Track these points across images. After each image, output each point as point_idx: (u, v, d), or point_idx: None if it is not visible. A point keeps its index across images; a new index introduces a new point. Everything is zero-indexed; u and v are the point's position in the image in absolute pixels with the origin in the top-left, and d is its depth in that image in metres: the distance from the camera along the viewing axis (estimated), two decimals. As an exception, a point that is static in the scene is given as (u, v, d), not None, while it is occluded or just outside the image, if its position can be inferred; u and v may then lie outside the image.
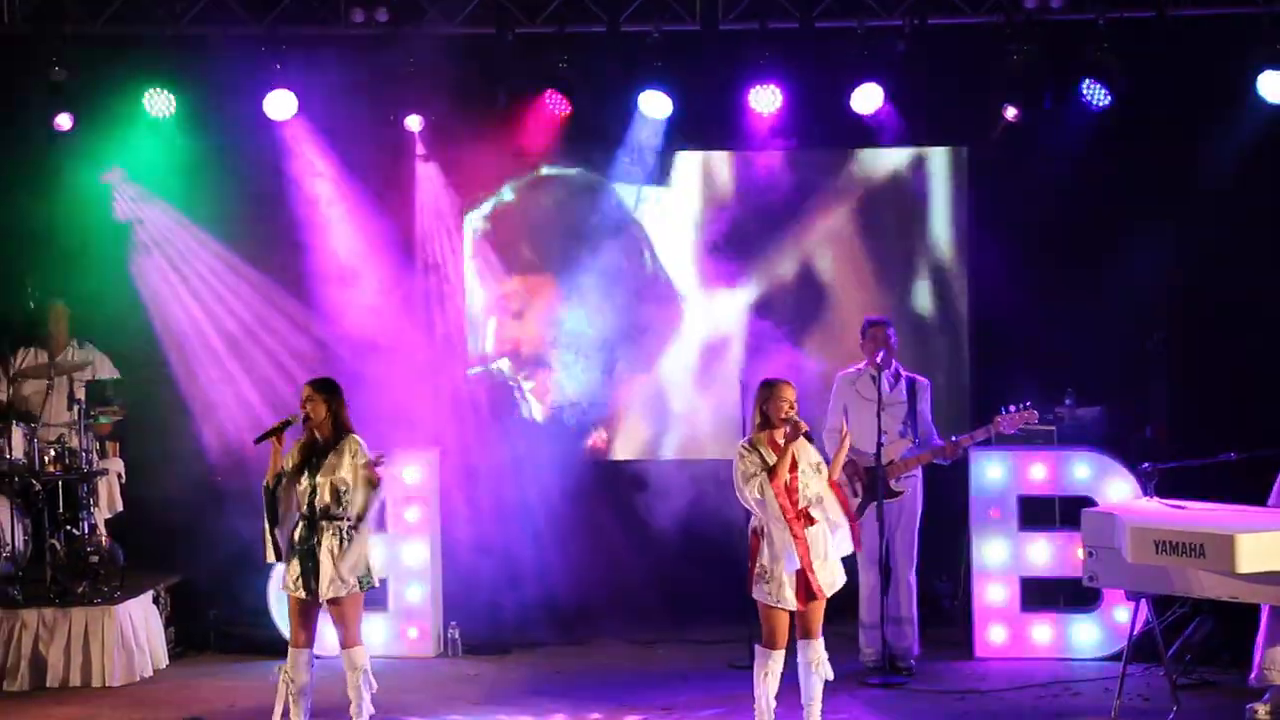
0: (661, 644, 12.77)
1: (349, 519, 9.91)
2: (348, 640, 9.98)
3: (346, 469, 9.90)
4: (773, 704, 9.78)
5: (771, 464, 9.67)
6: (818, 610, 9.77)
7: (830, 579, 9.73)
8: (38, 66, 13.02)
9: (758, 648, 9.81)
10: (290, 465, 10.00)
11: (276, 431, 10.01)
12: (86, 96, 13.13)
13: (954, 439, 11.71)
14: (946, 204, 13.78)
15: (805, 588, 9.68)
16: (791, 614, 9.71)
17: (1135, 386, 12.90)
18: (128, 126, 13.27)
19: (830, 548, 9.73)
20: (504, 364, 14.05)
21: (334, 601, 9.92)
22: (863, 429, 11.58)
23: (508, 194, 13.91)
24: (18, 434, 12.23)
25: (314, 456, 9.98)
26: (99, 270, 13.23)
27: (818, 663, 9.76)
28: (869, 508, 11.56)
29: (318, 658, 10.15)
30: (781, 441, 9.74)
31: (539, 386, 14.03)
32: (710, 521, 12.38)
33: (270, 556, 10.05)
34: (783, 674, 9.77)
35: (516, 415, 13.92)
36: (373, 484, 9.93)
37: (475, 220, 13.96)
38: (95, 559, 12.34)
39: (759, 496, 9.65)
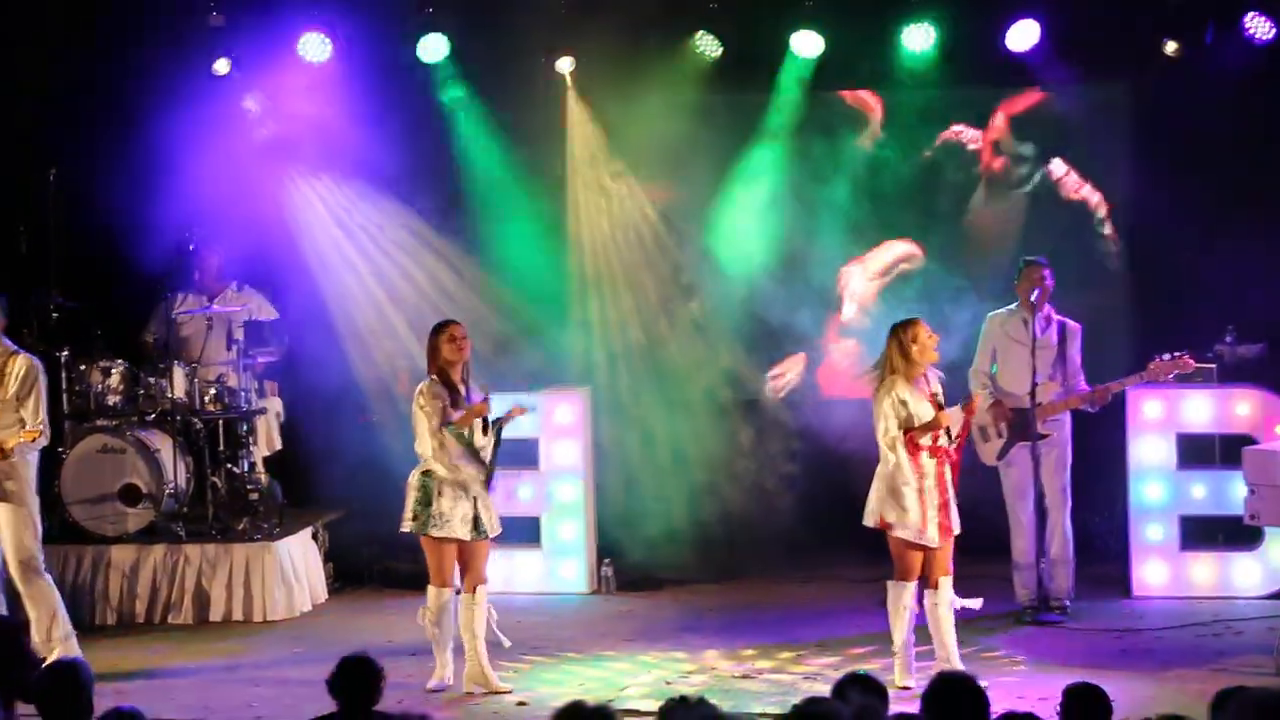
0: (813, 581, 12.77)
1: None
2: (481, 580, 10.10)
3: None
4: (910, 638, 9.89)
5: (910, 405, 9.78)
6: (949, 549, 9.86)
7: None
8: (196, 12, 13.22)
9: (890, 584, 9.93)
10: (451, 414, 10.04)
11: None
12: (243, 41, 13.29)
13: (1104, 385, 11.54)
14: (1104, 142, 13.54)
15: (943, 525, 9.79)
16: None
17: (1299, 323, 12.63)
18: (283, 71, 13.42)
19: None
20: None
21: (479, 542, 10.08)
22: (1012, 370, 11.47)
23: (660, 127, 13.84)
24: (179, 374, 12.43)
25: (457, 400, 10.03)
26: (256, 213, 13.36)
27: (940, 603, 9.85)
28: (1014, 449, 11.45)
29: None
30: (929, 388, 9.85)
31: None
32: (861, 458, 12.29)
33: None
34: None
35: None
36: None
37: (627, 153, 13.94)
38: (255, 496, 12.56)
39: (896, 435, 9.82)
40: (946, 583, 9.89)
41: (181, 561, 12.06)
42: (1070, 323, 11.67)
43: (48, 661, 8.21)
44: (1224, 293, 12.62)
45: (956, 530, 9.91)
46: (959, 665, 9.62)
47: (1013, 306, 11.70)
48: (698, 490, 13.03)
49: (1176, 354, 11.35)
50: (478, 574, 10.10)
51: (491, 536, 10.12)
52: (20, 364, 10.21)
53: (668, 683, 10.07)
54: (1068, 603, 11.58)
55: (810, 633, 11.21)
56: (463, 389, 10.01)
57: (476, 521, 10.01)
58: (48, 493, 10.93)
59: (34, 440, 10.05)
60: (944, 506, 9.83)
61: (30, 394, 10.16)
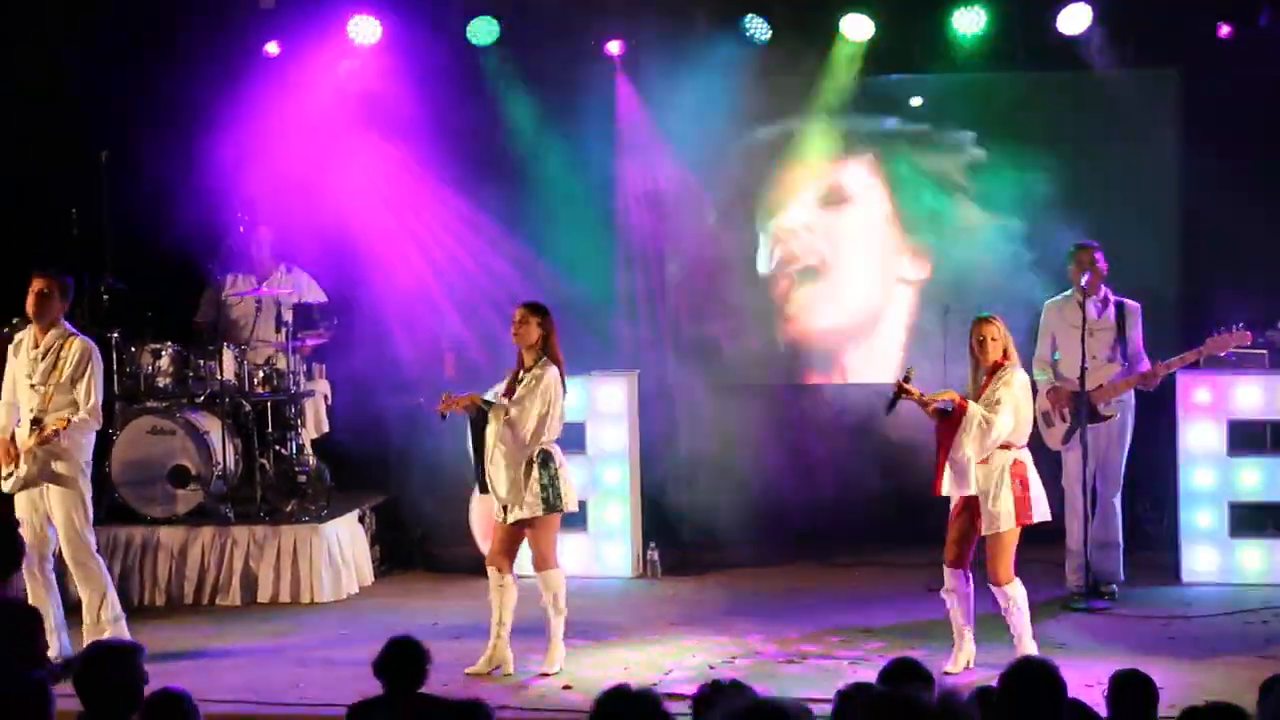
0: (858, 566, 12.76)
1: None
2: (540, 563, 10.06)
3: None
4: (964, 624, 9.85)
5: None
6: (990, 549, 9.74)
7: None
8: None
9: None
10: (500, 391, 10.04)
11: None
12: (294, 24, 13.35)
13: (1161, 362, 11.49)
14: (1157, 125, 13.45)
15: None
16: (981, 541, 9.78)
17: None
18: (335, 53, 13.45)
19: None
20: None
21: (526, 524, 9.99)
22: (1071, 355, 11.43)
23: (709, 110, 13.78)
24: (228, 356, 12.47)
25: (517, 381, 10.04)
26: (307, 195, 13.38)
27: (1005, 608, 9.77)
28: (1078, 433, 11.40)
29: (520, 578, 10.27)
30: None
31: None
32: (909, 442, 12.27)
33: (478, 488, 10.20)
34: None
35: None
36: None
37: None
38: (303, 478, 12.59)
39: None
40: (999, 591, 9.78)
41: (229, 543, 12.11)
42: (1129, 302, 11.62)
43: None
44: (1275, 278, 12.54)
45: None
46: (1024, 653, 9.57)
47: (1068, 292, 11.64)
48: (744, 474, 13.00)
49: (1235, 326, 11.29)
50: (534, 556, 10.10)
51: (510, 520, 9.98)
52: (76, 347, 10.24)
53: (711, 667, 10.02)
54: (1115, 587, 11.53)
55: (855, 619, 11.17)
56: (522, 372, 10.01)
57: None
58: (98, 474, 10.97)
59: (67, 426, 10.06)
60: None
61: (84, 376, 10.18)
